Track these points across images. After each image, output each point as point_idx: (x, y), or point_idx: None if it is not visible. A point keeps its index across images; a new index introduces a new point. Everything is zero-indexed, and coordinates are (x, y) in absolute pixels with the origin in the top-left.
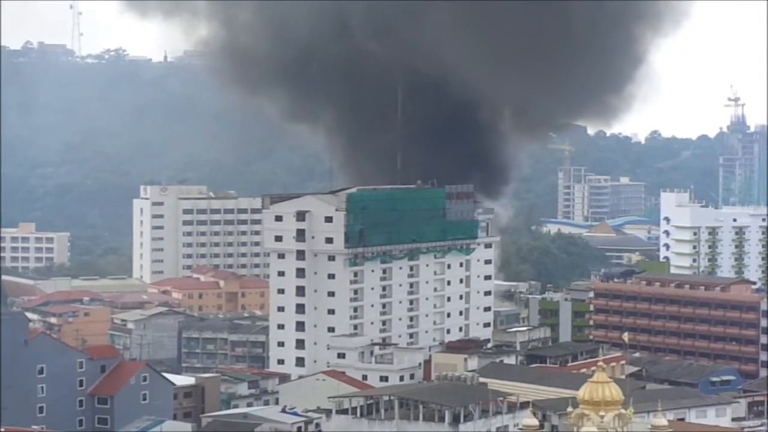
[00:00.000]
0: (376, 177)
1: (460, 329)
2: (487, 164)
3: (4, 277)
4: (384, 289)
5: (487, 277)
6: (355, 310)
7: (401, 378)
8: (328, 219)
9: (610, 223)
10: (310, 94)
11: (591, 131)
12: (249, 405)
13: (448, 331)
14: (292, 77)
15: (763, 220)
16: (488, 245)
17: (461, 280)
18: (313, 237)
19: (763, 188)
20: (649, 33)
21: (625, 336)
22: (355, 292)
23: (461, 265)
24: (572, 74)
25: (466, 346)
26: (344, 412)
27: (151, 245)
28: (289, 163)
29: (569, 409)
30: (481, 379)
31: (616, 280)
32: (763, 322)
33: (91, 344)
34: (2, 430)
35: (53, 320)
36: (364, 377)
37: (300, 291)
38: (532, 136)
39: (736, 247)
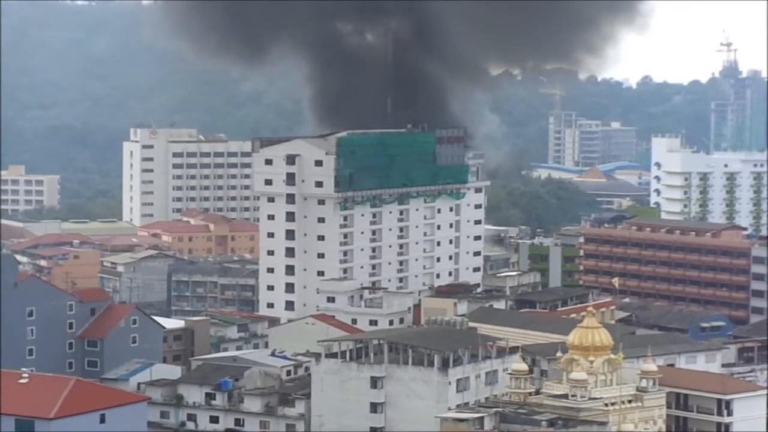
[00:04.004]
0: (367, 121)
1: (450, 274)
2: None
3: None
4: (374, 233)
5: (477, 222)
6: (345, 254)
7: (391, 322)
8: (318, 163)
9: (600, 168)
10: (295, 35)
11: (582, 76)
12: (238, 348)
13: (438, 276)
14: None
15: (755, 165)
16: (478, 190)
17: (451, 225)
18: (303, 180)
19: (755, 134)
20: None
21: (615, 281)
22: (345, 236)
23: (451, 209)
24: (561, 18)
25: (455, 291)
26: (333, 355)
27: (141, 188)
28: (279, 107)
29: (558, 354)
30: (471, 324)
31: (606, 225)
32: (754, 268)
33: (80, 287)
34: None
35: (43, 263)
36: (354, 321)
37: (290, 234)
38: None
39: (728, 192)
